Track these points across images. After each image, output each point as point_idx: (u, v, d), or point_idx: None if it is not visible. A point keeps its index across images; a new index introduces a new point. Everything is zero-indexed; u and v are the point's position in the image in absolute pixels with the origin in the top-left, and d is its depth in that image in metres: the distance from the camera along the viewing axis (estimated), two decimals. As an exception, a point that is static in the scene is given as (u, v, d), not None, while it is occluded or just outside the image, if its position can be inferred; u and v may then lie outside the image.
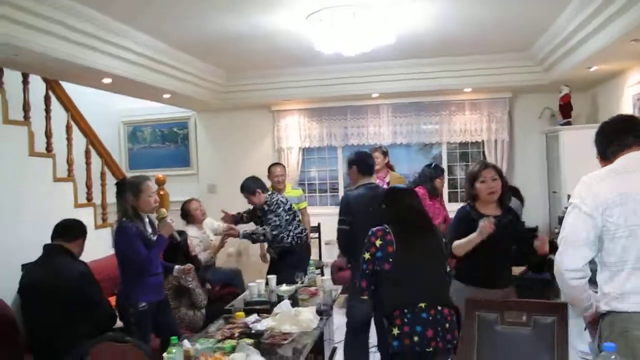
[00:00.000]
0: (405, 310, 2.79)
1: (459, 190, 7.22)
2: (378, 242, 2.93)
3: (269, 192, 5.14)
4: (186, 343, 3.29)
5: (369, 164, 4.52)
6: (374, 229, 3.01)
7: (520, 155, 6.79)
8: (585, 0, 4.23)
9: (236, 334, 3.59)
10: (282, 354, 3.25)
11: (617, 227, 2.16)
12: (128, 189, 3.64)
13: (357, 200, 4.31)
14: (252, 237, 5.06)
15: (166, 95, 5.92)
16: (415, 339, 2.74)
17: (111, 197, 5.37)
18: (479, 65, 6.24)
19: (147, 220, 3.77)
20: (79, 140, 5.29)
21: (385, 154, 5.94)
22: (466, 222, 3.56)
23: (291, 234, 5.02)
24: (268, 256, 6.10)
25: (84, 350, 2.45)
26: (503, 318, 2.28)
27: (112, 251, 3.72)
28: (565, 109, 6.04)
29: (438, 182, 5.46)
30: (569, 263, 2.21)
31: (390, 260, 2.88)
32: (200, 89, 6.18)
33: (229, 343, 3.36)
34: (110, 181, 5.47)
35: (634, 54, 4.66)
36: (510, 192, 3.85)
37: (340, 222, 4.46)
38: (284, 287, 4.47)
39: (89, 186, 5.23)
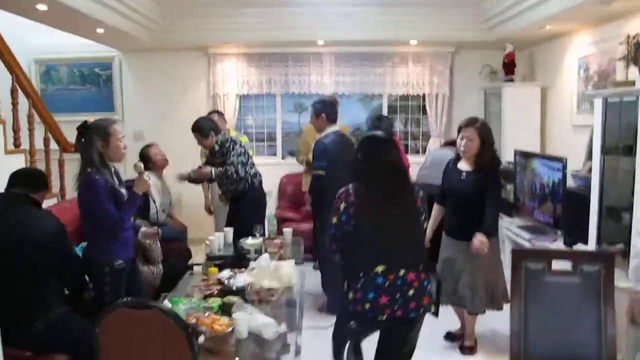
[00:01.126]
0: (360, 274, 2.61)
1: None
2: (342, 205, 2.68)
3: (222, 132, 4.82)
4: (167, 304, 3.05)
5: (336, 111, 4.71)
6: (340, 191, 2.75)
7: (458, 110, 6.89)
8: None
9: (215, 292, 3.40)
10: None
11: None
12: (94, 133, 3.22)
13: (333, 147, 4.46)
14: (224, 176, 4.67)
15: (100, 30, 5.32)
16: (367, 305, 2.58)
17: (39, 144, 4.89)
18: (426, 18, 6.19)
19: (112, 170, 3.39)
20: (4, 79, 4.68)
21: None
22: (445, 172, 4.05)
23: (244, 173, 4.70)
24: (212, 208, 5.85)
25: (94, 324, 2.15)
26: (550, 268, 2.28)
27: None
28: (509, 67, 6.18)
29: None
30: None
31: (352, 222, 2.65)
32: (136, 25, 5.61)
33: (214, 301, 3.17)
34: (40, 125, 4.94)
35: (593, 16, 4.79)
36: (493, 155, 3.93)
37: (316, 167, 4.53)
38: (250, 240, 4.27)
39: (16, 130, 4.63)
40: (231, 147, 4.67)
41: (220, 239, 4.35)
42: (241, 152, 4.70)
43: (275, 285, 3.48)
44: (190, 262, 4.84)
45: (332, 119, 4.62)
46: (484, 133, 3.84)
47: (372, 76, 6.81)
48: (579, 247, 4.15)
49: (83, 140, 3.25)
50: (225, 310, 3.06)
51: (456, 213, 3.92)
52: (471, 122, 3.85)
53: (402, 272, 2.58)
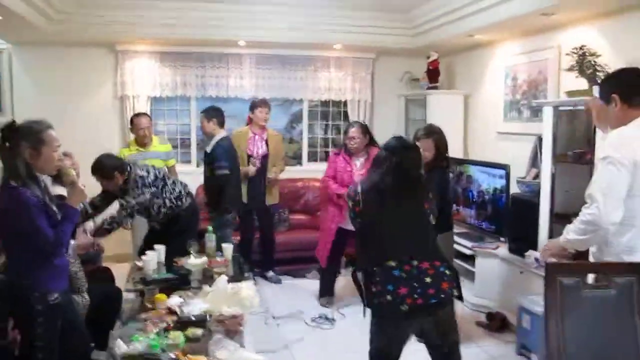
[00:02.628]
0: (375, 270, 2.71)
1: (318, 149, 7.02)
2: (350, 203, 2.87)
3: (128, 168, 4.09)
4: (121, 345, 2.60)
5: (224, 117, 5.21)
6: (350, 188, 2.94)
7: (379, 116, 6.81)
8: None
9: (171, 324, 2.97)
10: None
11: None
12: (23, 139, 2.65)
13: (231, 148, 5.10)
14: (113, 224, 4.09)
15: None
16: (389, 297, 2.65)
17: None
18: (350, 22, 6.03)
19: (42, 183, 2.82)
20: None
21: (268, 106, 5.51)
22: None
23: (167, 201, 4.21)
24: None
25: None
26: (584, 281, 2.16)
27: None
28: (433, 74, 6.18)
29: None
30: (615, 217, 2.31)
31: (358, 219, 2.83)
32: (37, 11, 4.83)
33: (175, 336, 2.75)
34: None
35: (527, 27, 4.88)
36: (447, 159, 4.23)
37: (219, 167, 4.91)
38: (192, 260, 3.84)
39: None
40: (135, 189, 4.04)
41: (154, 259, 3.85)
42: (146, 192, 4.09)
43: (238, 311, 3.12)
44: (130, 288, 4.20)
45: (222, 124, 5.14)
46: (441, 143, 4.09)
47: (293, 80, 6.52)
48: (531, 253, 4.17)
49: (7, 145, 2.66)
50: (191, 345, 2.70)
51: None
52: (429, 133, 4.02)
53: (415, 262, 2.68)
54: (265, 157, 5.46)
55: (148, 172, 4.15)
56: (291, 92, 6.57)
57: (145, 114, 5.42)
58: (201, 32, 5.79)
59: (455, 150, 5.95)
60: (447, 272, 2.75)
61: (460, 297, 2.86)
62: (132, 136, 5.37)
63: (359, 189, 2.82)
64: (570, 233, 2.48)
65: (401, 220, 2.78)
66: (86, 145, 4.48)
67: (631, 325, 2.14)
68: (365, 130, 4.81)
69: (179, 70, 6.22)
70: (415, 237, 2.79)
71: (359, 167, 4.77)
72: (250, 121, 5.57)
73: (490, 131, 5.78)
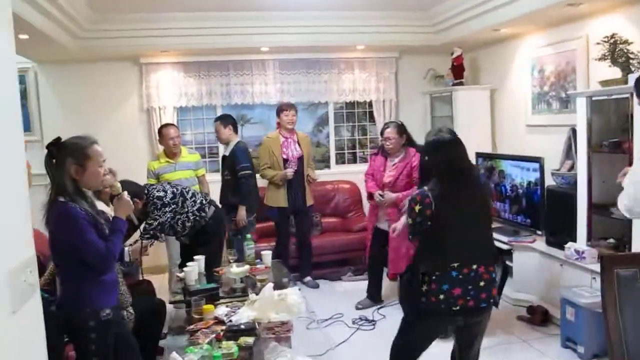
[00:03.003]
0: (436, 272, 2.75)
1: (345, 151, 7.02)
2: (417, 208, 2.77)
3: (145, 191, 4.11)
4: (176, 357, 2.63)
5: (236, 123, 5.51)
6: (414, 193, 2.85)
7: (405, 114, 6.79)
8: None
9: (221, 333, 3.00)
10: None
11: None
12: (69, 155, 2.67)
13: (248, 150, 5.32)
14: (152, 236, 4.06)
15: (23, 36, 4.59)
16: (441, 297, 2.72)
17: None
18: (371, 22, 6.03)
19: (89, 198, 2.85)
20: None
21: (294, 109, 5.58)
22: None
23: (190, 215, 4.18)
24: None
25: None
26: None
27: None
28: (458, 70, 6.16)
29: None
30: None
31: (429, 223, 2.76)
32: (63, 30, 4.91)
33: (228, 346, 2.78)
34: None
35: (552, 18, 4.85)
36: None
37: (242, 168, 5.11)
38: (235, 269, 3.89)
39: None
40: (154, 209, 4.05)
41: (195, 270, 3.88)
42: (167, 211, 4.08)
43: (286, 317, 3.15)
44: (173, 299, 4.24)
45: (237, 130, 5.44)
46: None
47: (317, 84, 6.53)
48: (571, 245, 4.14)
49: (54, 161, 2.69)
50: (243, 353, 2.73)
51: None
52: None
53: (474, 266, 2.74)
54: (300, 159, 5.50)
55: (165, 191, 4.12)
56: (316, 96, 6.59)
57: (173, 124, 5.45)
58: (223, 40, 5.82)
59: (483, 146, 5.97)
60: (496, 277, 2.83)
61: (496, 304, 2.88)
62: (160, 148, 5.41)
63: (429, 193, 2.77)
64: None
65: (470, 223, 2.80)
66: (115, 159, 4.50)
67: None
68: (402, 130, 4.77)
69: (203, 80, 6.27)
70: (480, 242, 2.84)
71: (390, 168, 4.77)
72: (278, 126, 5.59)
73: (519, 124, 5.74)
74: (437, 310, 2.74)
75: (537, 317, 4.44)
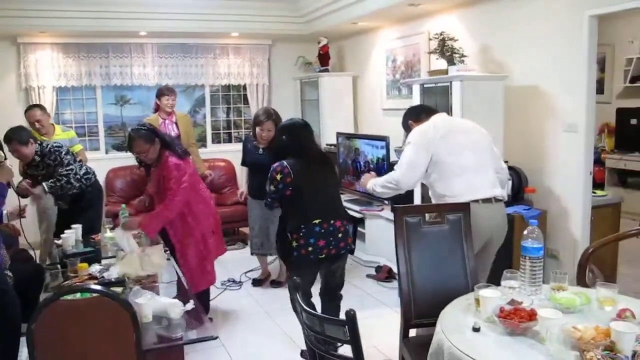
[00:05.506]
0: (302, 226, 3.31)
1: (221, 132, 7.47)
2: (278, 176, 3.34)
3: (38, 141, 4.46)
4: None
5: None
6: (274, 165, 3.40)
7: (277, 98, 7.36)
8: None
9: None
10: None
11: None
12: None
13: None
14: (58, 189, 4.40)
15: None
16: (310, 248, 3.31)
17: None
18: (245, 11, 6.50)
19: None
20: None
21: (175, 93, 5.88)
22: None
23: (78, 176, 4.50)
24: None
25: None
26: (424, 220, 2.84)
27: None
28: (324, 58, 6.79)
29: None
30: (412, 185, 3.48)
31: (290, 188, 3.35)
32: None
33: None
34: None
35: (399, 15, 5.58)
36: None
37: None
38: (109, 233, 4.24)
39: None
40: (57, 157, 4.41)
41: (72, 237, 4.20)
42: (69, 160, 4.47)
43: (151, 271, 3.57)
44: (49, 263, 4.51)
45: None
46: (279, 121, 4.55)
47: (194, 67, 6.95)
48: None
49: None
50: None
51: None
52: (269, 115, 4.73)
53: (332, 221, 3.35)
54: (177, 139, 5.82)
55: (60, 145, 4.50)
56: (193, 79, 7.01)
57: (38, 105, 5.49)
58: (102, 24, 6.07)
59: (346, 127, 6.65)
60: (350, 229, 3.52)
61: (352, 251, 3.60)
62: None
63: (285, 163, 3.35)
64: (378, 187, 3.41)
65: (321, 187, 3.43)
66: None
67: (460, 250, 2.84)
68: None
69: (82, 61, 6.48)
70: (333, 203, 3.50)
71: None
72: (157, 108, 5.83)
73: (376, 108, 6.48)
74: (308, 259, 3.34)
75: (383, 274, 5.17)
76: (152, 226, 3.93)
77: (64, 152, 4.47)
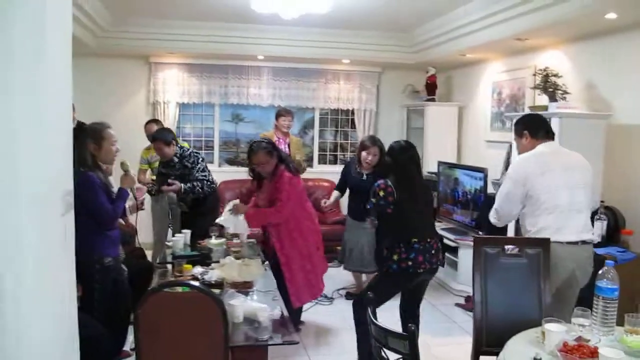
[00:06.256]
0: (400, 244, 3.53)
1: (327, 153, 7.80)
2: (381, 193, 3.57)
3: (179, 145, 5.01)
4: None
5: None
6: (379, 182, 3.64)
7: (383, 124, 7.58)
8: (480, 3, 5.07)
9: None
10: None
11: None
12: (88, 136, 3.47)
13: None
14: (191, 191, 4.87)
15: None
16: (410, 263, 3.52)
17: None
18: (358, 40, 6.77)
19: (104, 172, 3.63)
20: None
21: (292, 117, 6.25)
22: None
23: (209, 183, 4.96)
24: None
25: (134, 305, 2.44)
26: (504, 251, 2.92)
27: None
28: (431, 87, 6.92)
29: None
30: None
31: (391, 207, 3.56)
32: (85, 29, 5.69)
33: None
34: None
35: (506, 49, 5.62)
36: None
37: None
38: (214, 241, 4.60)
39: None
40: (195, 162, 4.90)
41: (181, 240, 4.62)
42: (204, 167, 4.94)
43: (247, 278, 3.86)
44: (160, 260, 4.98)
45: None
46: (383, 148, 4.78)
47: (306, 90, 7.34)
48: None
49: (76, 141, 3.47)
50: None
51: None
52: (374, 142, 4.99)
53: (428, 239, 3.58)
54: None
55: (198, 151, 5.07)
56: (304, 101, 7.40)
57: (155, 120, 6.09)
58: (224, 47, 6.61)
59: (449, 156, 6.72)
60: (440, 246, 3.74)
61: (442, 264, 3.98)
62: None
63: (389, 182, 3.56)
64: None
65: (420, 206, 3.65)
66: (124, 143, 5.17)
67: (536, 284, 2.88)
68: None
69: (204, 80, 7.07)
70: (428, 222, 3.76)
71: None
72: (276, 128, 6.20)
73: (480, 139, 6.49)
74: (407, 273, 3.54)
75: (471, 304, 5.16)
76: (256, 220, 4.40)
77: (200, 158, 4.97)
